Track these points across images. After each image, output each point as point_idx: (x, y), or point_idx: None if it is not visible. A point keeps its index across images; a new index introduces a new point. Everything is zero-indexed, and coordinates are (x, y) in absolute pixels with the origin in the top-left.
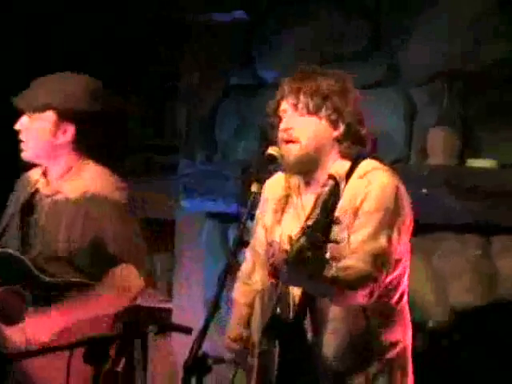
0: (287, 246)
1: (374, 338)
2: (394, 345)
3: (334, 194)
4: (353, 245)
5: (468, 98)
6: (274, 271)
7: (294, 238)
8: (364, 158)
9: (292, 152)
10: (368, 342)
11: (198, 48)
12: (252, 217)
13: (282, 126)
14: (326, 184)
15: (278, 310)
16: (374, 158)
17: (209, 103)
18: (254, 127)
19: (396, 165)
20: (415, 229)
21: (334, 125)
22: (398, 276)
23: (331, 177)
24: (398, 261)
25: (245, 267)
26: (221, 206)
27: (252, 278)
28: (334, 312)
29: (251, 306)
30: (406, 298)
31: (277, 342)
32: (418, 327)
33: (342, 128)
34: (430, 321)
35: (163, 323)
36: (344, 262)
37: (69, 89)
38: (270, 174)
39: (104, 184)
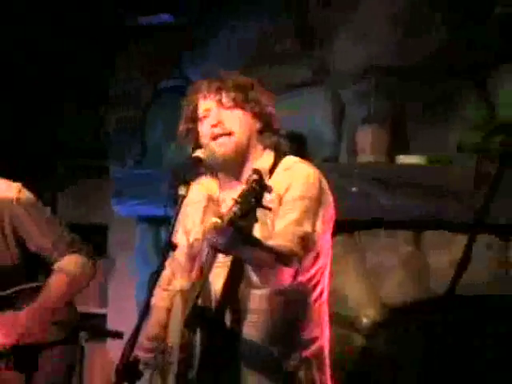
0: (208, 230)
1: (292, 333)
2: (311, 342)
3: (260, 186)
4: (278, 228)
5: (396, 95)
6: (213, 242)
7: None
8: (286, 154)
9: (228, 144)
10: (286, 336)
11: (128, 52)
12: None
13: (211, 121)
14: (251, 178)
15: (200, 302)
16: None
17: (139, 106)
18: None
19: (326, 163)
20: (347, 226)
21: (257, 117)
22: (318, 271)
23: (256, 171)
24: (317, 254)
25: (165, 273)
26: (152, 209)
27: (171, 285)
28: (255, 304)
29: (169, 310)
30: (325, 296)
31: (198, 333)
32: (351, 325)
33: (263, 119)
34: (364, 317)
35: (94, 329)
36: (272, 242)
37: None
38: (197, 176)
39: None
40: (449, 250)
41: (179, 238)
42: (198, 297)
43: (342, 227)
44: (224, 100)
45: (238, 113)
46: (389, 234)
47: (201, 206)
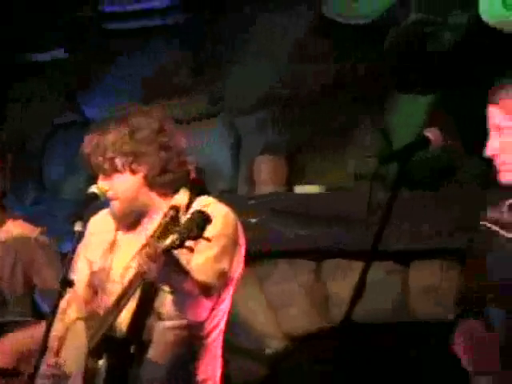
0: (140, 258)
1: (187, 370)
2: (204, 382)
3: (174, 223)
4: (197, 264)
5: (294, 125)
6: (144, 270)
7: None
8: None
9: (114, 209)
10: (181, 374)
11: (22, 88)
12: None
13: (100, 185)
14: (168, 214)
15: (108, 331)
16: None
17: (35, 143)
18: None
19: (224, 195)
20: (247, 258)
21: (136, 169)
22: (221, 311)
23: (173, 207)
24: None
25: (62, 303)
26: None
27: (67, 314)
28: (159, 335)
29: (62, 338)
30: (221, 336)
31: (102, 361)
32: (255, 355)
33: (144, 168)
34: (267, 348)
35: None
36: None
37: None
38: (95, 211)
39: None
40: (348, 278)
41: (79, 267)
42: (109, 326)
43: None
44: (99, 168)
45: (124, 176)
46: (289, 264)
47: (108, 236)
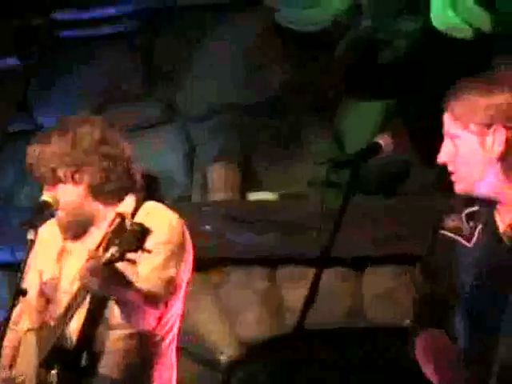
0: (82, 271)
1: (143, 377)
2: None
3: (121, 231)
4: (144, 272)
5: (247, 131)
6: (87, 283)
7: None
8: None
9: (59, 219)
10: (137, 380)
11: None
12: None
13: (45, 195)
14: (114, 222)
15: (58, 343)
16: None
17: None
18: None
19: (178, 203)
20: (202, 265)
21: (79, 180)
22: (173, 316)
23: (119, 215)
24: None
25: (14, 313)
26: (6, 255)
27: (18, 325)
28: (111, 345)
29: (15, 349)
30: (175, 341)
31: (55, 373)
32: (209, 363)
33: (87, 178)
34: (222, 356)
35: None
36: (139, 285)
37: None
38: (46, 219)
39: None
40: (303, 285)
41: (30, 277)
42: (59, 337)
43: (196, 266)
44: (52, 175)
45: (68, 187)
46: (243, 271)
47: (56, 246)
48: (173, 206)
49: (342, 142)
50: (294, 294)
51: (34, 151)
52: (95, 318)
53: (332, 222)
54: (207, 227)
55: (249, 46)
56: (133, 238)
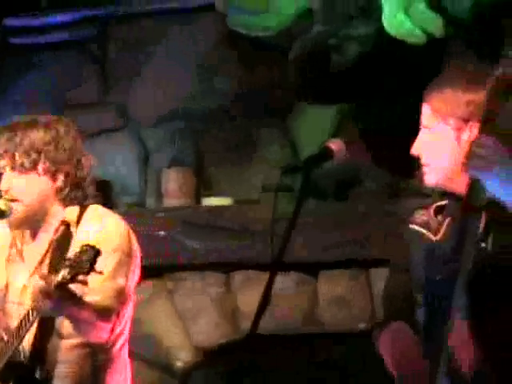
0: (34, 293)
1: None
2: None
3: (67, 238)
4: (94, 284)
5: (200, 137)
6: (39, 305)
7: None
8: (90, 203)
9: (15, 211)
10: None
11: None
12: None
13: (2, 185)
14: (59, 230)
15: (12, 357)
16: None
17: None
18: None
19: (133, 208)
20: (157, 271)
21: (54, 177)
22: (125, 319)
23: (64, 222)
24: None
25: None
26: None
27: None
28: (64, 355)
29: None
30: (127, 343)
31: None
32: (165, 368)
33: (61, 178)
34: (177, 361)
35: None
36: (90, 298)
37: None
38: None
39: None
40: (258, 289)
41: None
42: (14, 351)
43: (150, 272)
44: (16, 164)
45: (31, 177)
46: (198, 276)
47: (3, 253)
48: (127, 212)
49: (296, 148)
50: (249, 299)
51: (12, 136)
52: (47, 329)
53: (285, 227)
54: (162, 233)
55: (202, 51)
56: (84, 260)
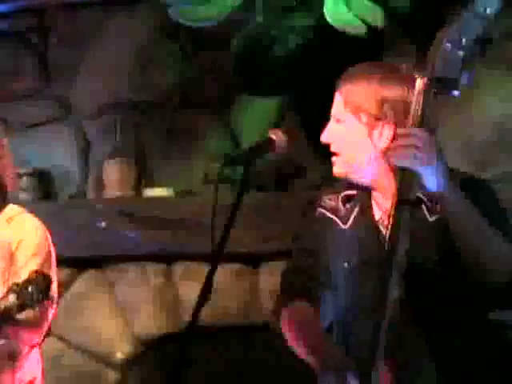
0: None
1: (8, 378)
2: (32, 382)
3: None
4: None
5: (141, 128)
6: None
7: None
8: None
9: None
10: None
11: None
12: None
13: None
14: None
15: None
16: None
17: None
18: None
19: (73, 200)
20: (97, 262)
21: None
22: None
23: None
24: None
25: None
26: None
27: None
28: None
29: None
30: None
31: None
32: (105, 361)
33: None
34: (118, 353)
35: None
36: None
37: None
38: None
39: None
40: (199, 281)
41: None
42: None
43: (89, 263)
44: None
45: None
46: (139, 268)
47: None
48: (67, 204)
49: (237, 139)
50: (190, 291)
51: None
52: None
53: (225, 219)
54: (102, 224)
55: (142, 42)
56: (36, 291)
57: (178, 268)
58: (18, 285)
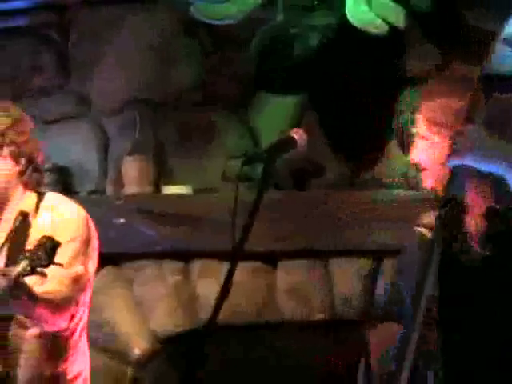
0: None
1: (58, 372)
2: (77, 377)
3: (25, 228)
4: (51, 272)
5: (160, 125)
6: None
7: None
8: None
9: None
10: (52, 376)
11: None
12: None
13: None
14: (17, 220)
15: None
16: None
17: None
18: None
19: (92, 196)
20: (115, 259)
21: (17, 160)
22: (83, 306)
23: (22, 213)
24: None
25: None
26: None
27: None
28: (25, 344)
29: None
30: (86, 330)
31: None
32: (122, 357)
33: (23, 161)
34: (135, 349)
35: None
36: (45, 287)
37: None
38: None
39: None
40: (216, 279)
41: None
42: None
43: (108, 260)
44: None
45: (8, 163)
46: (157, 265)
47: None
48: (86, 200)
49: (257, 137)
50: (207, 288)
51: None
52: (8, 318)
53: (245, 217)
54: (121, 220)
55: (161, 39)
56: (43, 252)
57: (196, 265)
58: (28, 250)
